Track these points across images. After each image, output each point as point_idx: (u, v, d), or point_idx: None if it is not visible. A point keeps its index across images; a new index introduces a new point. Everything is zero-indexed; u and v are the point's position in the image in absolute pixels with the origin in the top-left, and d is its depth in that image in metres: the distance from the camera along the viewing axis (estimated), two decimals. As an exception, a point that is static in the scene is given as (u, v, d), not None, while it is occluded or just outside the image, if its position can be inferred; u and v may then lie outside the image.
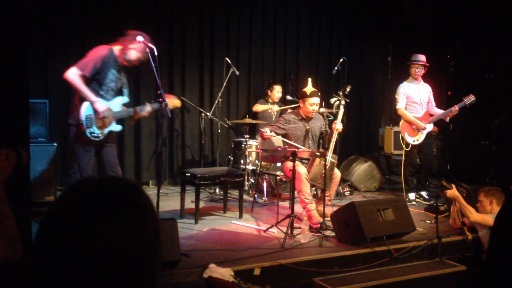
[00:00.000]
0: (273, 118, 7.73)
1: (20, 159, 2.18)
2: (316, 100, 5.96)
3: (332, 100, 6.10)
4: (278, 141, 6.24)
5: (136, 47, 4.89)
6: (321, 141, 6.06)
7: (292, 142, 5.89)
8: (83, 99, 4.78)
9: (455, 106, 7.07)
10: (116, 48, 4.91)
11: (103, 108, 4.81)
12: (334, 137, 5.89)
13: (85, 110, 4.75)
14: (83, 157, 4.84)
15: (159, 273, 1.06)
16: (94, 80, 4.79)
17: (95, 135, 4.82)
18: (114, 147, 5.18)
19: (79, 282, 0.96)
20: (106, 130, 4.92)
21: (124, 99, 5.13)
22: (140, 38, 4.86)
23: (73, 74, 4.70)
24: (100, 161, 5.10)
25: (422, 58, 7.22)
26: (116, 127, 5.05)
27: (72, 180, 4.83)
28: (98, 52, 4.77)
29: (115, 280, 0.98)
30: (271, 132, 5.84)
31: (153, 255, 1.05)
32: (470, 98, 7.08)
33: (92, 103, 4.76)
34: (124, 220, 1.01)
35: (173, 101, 5.29)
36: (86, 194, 1.03)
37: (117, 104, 5.04)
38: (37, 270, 0.99)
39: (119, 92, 5.11)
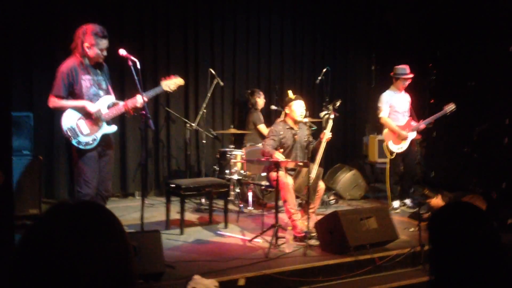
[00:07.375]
0: None
1: None
2: (301, 102, 5.97)
3: (322, 114, 6.12)
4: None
5: (89, 40, 4.74)
6: (306, 151, 6.07)
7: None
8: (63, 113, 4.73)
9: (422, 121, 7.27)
10: (76, 56, 4.78)
11: (95, 109, 4.73)
12: (322, 148, 5.77)
13: (64, 123, 4.69)
14: (87, 171, 4.71)
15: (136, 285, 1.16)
16: (74, 95, 4.73)
17: (84, 143, 4.70)
18: (111, 159, 5.05)
19: None
20: (97, 135, 4.78)
21: (110, 98, 4.92)
22: (123, 52, 4.78)
23: (53, 101, 4.72)
24: None
25: (408, 70, 7.30)
26: (109, 129, 4.89)
27: (79, 196, 4.68)
28: (61, 69, 4.72)
29: None
30: (278, 154, 5.64)
31: (129, 268, 1.14)
32: (450, 107, 7.19)
33: (84, 108, 4.70)
34: (99, 240, 1.10)
35: (175, 81, 5.19)
36: (64, 219, 1.11)
37: (102, 105, 4.85)
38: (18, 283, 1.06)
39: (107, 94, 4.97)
